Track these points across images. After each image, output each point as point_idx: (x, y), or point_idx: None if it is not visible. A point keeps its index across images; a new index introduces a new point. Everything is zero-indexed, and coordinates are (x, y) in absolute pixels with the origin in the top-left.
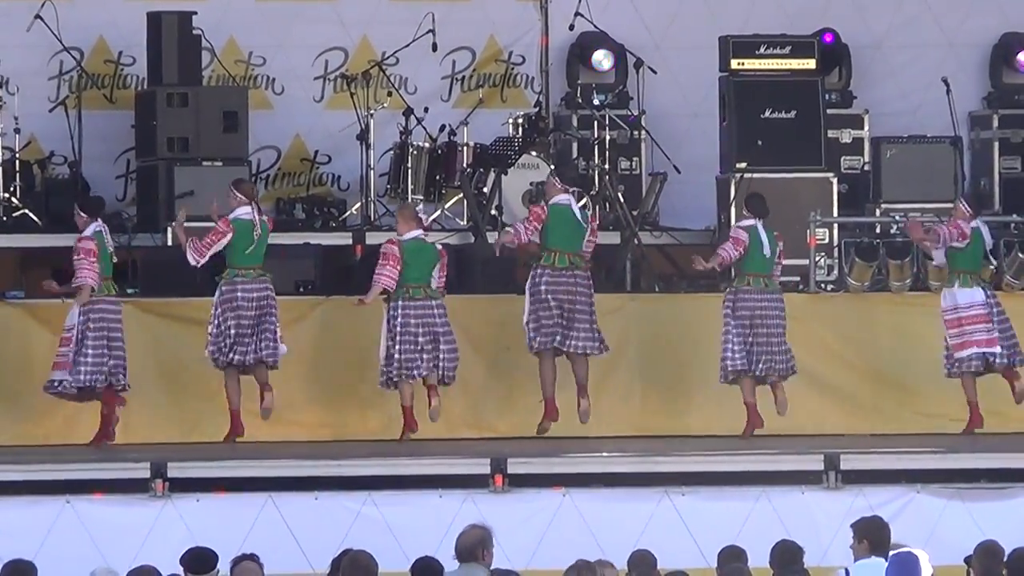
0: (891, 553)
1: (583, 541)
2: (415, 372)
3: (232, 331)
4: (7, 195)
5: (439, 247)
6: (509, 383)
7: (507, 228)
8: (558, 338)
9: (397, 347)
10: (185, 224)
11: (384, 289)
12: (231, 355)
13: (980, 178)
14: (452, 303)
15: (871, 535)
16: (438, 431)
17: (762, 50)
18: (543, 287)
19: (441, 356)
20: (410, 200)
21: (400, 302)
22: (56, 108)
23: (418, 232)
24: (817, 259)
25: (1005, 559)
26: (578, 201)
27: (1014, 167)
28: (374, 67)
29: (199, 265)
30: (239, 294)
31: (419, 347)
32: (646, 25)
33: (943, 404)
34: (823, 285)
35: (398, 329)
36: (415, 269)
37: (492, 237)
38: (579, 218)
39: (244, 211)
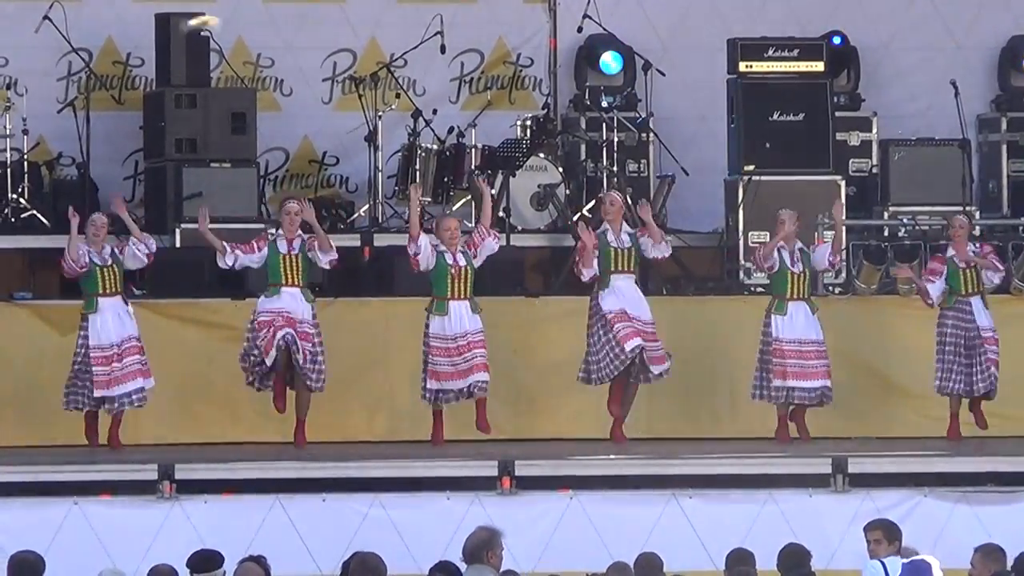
0: (904, 560)
1: (590, 543)
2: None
3: None
4: (15, 196)
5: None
6: (516, 385)
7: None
8: None
9: None
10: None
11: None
12: None
13: (988, 181)
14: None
15: (899, 536)
16: (445, 433)
17: (770, 52)
18: None
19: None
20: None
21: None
22: (64, 109)
23: None
24: None
25: (1013, 562)
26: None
27: (1022, 170)
28: (382, 69)
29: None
30: None
31: None
32: (654, 27)
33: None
34: (831, 288)
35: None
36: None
37: (500, 239)
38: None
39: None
